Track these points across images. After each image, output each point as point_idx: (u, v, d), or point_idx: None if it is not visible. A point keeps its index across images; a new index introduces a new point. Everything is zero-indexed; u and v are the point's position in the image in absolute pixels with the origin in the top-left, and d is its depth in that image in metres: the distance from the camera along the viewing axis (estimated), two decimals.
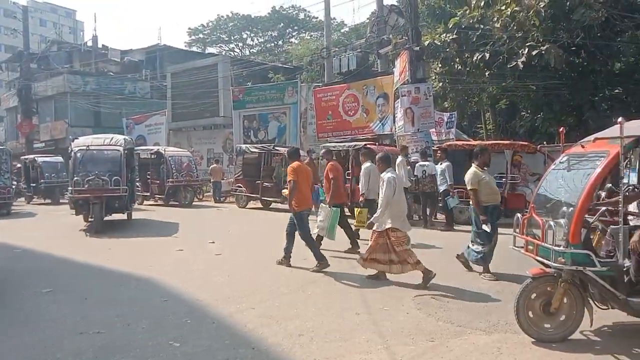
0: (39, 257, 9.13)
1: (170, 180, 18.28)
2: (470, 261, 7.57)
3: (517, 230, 5.34)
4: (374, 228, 6.97)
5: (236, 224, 13.50)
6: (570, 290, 4.60)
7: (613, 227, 5.03)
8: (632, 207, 5.09)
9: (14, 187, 18.27)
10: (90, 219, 12.29)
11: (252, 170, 17.62)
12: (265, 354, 4.46)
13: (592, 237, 5.12)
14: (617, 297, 4.43)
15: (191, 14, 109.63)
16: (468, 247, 7.60)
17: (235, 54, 50.93)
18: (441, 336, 4.87)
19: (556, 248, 4.50)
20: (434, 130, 18.68)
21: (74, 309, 5.79)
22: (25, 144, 32.16)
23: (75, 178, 11.83)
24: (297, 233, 7.90)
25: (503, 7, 16.00)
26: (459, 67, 19.24)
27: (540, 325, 4.71)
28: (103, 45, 41.46)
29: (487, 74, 18.54)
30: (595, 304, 4.79)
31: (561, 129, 6.29)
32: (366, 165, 9.33)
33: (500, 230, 7.45)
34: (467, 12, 17.83)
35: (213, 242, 10.20)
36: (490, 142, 16.29)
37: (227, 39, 54.25)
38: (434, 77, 20.35)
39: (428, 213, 12.90)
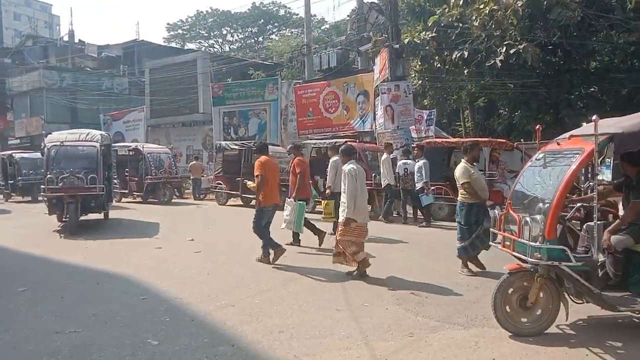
0: (12, 256, 8.95)
1: (149, 177, 18.09)
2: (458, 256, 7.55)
3: (495, 226, 5.40)
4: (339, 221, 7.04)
5: (216, 222, 13.42)
6: (547, 285, 4.67)
7: (588, 223, 5.13)
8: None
9: None
10: (64, 219, 11.57)
11: (233, 167, 17.52)
12: (245, 351, 4.45)
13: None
14: (592, 291, 4.51)
15: (170, 10, 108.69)
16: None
17: (215, 50, 50.51)
18: (420, 331, 4.91)
19: (532, 244, 4.57)
20: (413, 127, 18.79)
21: (49, 308, 5.69)
22: None
23: (49, 176, 11.12)
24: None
25: (481, 6, 16.15)
26: (439, 65, 19.40)
27: (517, 320, 4.77)
28: (80, 40, 40.86)
29: (465, 72, 18.71)
30: (571, 299, 4.87)
31: (537, 127, 6.37)
32: (334, 158, 9.49)
33: None
34: (447, 10, 17.97)
35: (192, 240, 10.12)
36: (469, 139, 16.45)
37: (206, 34, 53.77)
38: (413, 75, 20.47)
39: (412, 210, 13.06)
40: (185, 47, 48.31)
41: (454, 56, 17.83)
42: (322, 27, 48.38)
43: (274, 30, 53.20)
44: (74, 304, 5.87)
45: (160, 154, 19.55)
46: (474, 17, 16.64)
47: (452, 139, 17.55)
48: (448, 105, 22.73)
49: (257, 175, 7.80)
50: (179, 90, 27.46)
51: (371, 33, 21.58)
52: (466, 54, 17.42)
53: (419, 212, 12.92)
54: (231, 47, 53.14)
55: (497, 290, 4.77)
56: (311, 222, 9.46)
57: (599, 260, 4.70)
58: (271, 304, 5.78)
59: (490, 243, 5.53)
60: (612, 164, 10.47)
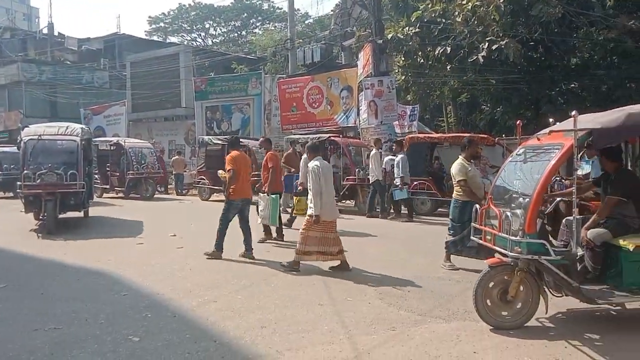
0: None
1: (131, 172, 17.90)
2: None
3: (476, 220, 5.45)
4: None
5: (199, 217, 13.34)
6: (527, 278, 4.73)
7: (567, 218, 5.20)
8: None
9: None
10: (42, 217, 10.89)
11: (215, 162, 17.38)
12: (227, 346, 4.43)
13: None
14: (571, 285, 4.58)
15: (152, 2, 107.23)
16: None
17: (198, 43, 50.08)
18: (402, 325, 4.94)
19: (513, 238, 4.62)
20: (397, 123, 18.88)
21: (28, 305, 5.60)
22: None
23: (25, 171, 10.42)
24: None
25: (464, 2, 16.24)
26: (422, 60, 19.48)
27: (498, 313, 4.83)
28: (59, 33, 40.17)
29: (448, 67, 18.82)
30: (550, 292, 4.94)
31: (518, 122, 6.43)
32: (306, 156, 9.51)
33: None
34: (430, 5, 18.04)
35: (174, 236, 10.05)
36: (451, 134, 16.58)
37: (189, 28, 53.24)
38: (397, 70, 20.54)
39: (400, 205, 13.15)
40: (168, 41, 47.77)
41: (437, 52, 17.92)
42: (306, 22, 48.23)
43: (258, 24, 52.88)
44: (54, 300, 5.79)
45: (142, 148, 19.37)
46: (456, 13, 16.73)
47: (434, 134, 17.66)
48: (431, 101, 22.88)
49: (228, 170, 7.85)
50: (161, 84, 27.17)
51: (355, 28, 21.61)
52: (449, 49, 17.52)
53: (403, 208, 12.98)
54: (214, 41, 52.72)
55: (478, 284, 4.81)
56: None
57: (578, 254, 4.77)
58: (253, 300, 5.77)
59: (472, 237, 5.57)
60: (592, 160, 10.62)
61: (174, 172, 20.77)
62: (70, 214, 11.74)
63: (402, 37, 18.39)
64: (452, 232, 7.34)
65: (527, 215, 4.56)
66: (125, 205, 15.79)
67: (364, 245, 9.13)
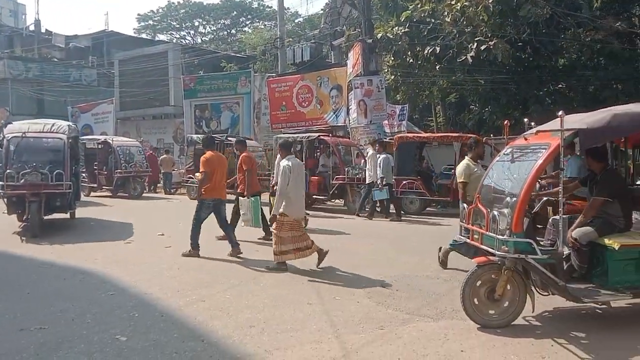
0: None
1: (119, 171, 17.77)
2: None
3: (464, 219, 5.48)
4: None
5: (187, 216, 13.17)
6: (513, 277, 4.76)
7: (554, 217, 5.25)
8: None
9: None
10: (26, 219, 10.19)
11: None
12: (215, 346, 4.42)
13: None
14: (557, 283, 4.62)
15: (140, 0, 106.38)
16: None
17: (187, 41, 49.83)
18: (390, 324, 4.96)
19: (500, 237, 4.65)
20: (386, 122, 18.93)
21: (14, 305, 5.54)
22: None
23: (8, 171, 9.80)
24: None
25: (453, 2, 16.30)
26: (411, 60, 19.52)
27: (485, 312, 4.86)
28: (46, 30, 39.79)
29: (437, 67, 18.89)
30: (537, 291, 4.98)
31: (506, 122, 6.48)
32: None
33: (448, 220, 7.62)
34: (419, 5, 18.07)
35: (162, 235, 10.00)
36: (440, 134, 16.66)
37: (178, 26, 52.97)
38: (386, 70, 20.57)
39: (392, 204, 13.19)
40: (156, 39, 47.52)
41: (426, 52, 17.98)
42: (296, 20, 48.19)
43: (247, 22, 52.73)
44: (40, 300, 5.73)
45: (130, 147, 19.23)
46: (445, 13, 16.79)
47: (423, 134, 17.73)
48: (420, 101, 22.94)
49: (201, 172, 7.93)
50: (149, 82, 27.03)
51: (344, 27, 21.64)
52: (438, 49, 17.59)
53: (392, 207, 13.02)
54: (203, 39, 52.50)
55: (465, 283, 4.84)
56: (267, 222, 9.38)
57: (564, 253, 4.81)
58: (242, 299, 5.76)
59: (460, 237, 5.60)
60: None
61: (162, 171, 20.65)
62: (57, 215, 11.17)
63: (391, 36, 18.44)
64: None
65: (514, 214, 4.59)
66: (113, 205, 15.66)
67: (353, 245, 9.15)
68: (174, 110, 27.16)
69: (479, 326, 4.80)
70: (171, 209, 15.37)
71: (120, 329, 4.76)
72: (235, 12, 51.78)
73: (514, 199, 4.69)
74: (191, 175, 17.61)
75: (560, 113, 4.54)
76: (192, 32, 53.56)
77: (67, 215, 11.44)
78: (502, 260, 4.71)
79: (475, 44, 16.40)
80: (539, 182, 7.86)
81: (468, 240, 5.40)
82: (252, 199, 8.77)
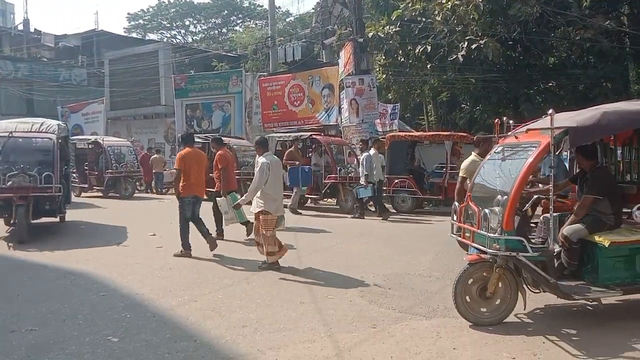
0: None
1: (110, 171, 17.66)
2: None
3: (455, 217, 5.50)
4: (252, 210, 7.17)
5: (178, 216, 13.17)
6: (505, 275, 4.78)
7: (545, 215, 5.28)
8: None
9: None
10: (13, 224, 9.58)
11: None
12: (208, 346, 4.41)
13: None
14: (548, 281, 4.64)
15: None
16: None
17: (177, 41, 49.58)
18: (383, 322, 4.97)
19: (491, 235, 4.67)
20: (378, 121, 18.94)
21: (4, 307, 5.49)
22: None
23: None
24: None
25: (444, 1, 16.33)
26: (402, 59, 19.52)
27: (477, 310, 4.88)
28: (35, 29, 39.46)
29: (428, 66, 18.90)
30: (528, 288, 5.00)
31: (497, 121, 6.49)
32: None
33: (441, 218, 7.65)
34: (410, 4, 18.08)
35: (154, 235, 9.95)
36: (432, 133, 16.71)
37: (168, 25, 52.69)
38: (377, 69, 20.57)
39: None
40: (147, 38, 47.27)
41: (417, 51, 17.99)
42: (287, 20, 48.09)
43: (238, 21, 52.57)
44: (31, 301, 5.69)
45: (121, 147, 19.13)
46: (436, 12, 16.81)
47: (415, 133, 17.76)
48: (411, 100, 22.96)
49: (175, 169, 7.95)
50: (140, 81, 26.89)
51: (336, 26, 21.62)
52: (429, 48, 17.60)
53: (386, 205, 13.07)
54: (194, 38, 52.29)
55: (457, 281, 4.86)
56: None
57: (555, 250, 4.84)
58: (234, 299, 5.74)
59: (452, 235, 5.62)
60: (568, 157, 10.80)
61: (153, 171, 20.55)
62: (47, 219, 10.66)
63: (382, 35, 18.43)
64: None
65: (505, 212, 4.61)
66: (104, 206, 15.55)
67: (345, 244, 9.15)
68: (165, 109, 27.03)
69: (471, 324, 4.82)
70: (162, 209, 15.27)
71: (111, 330, 4.74)
72: (226, 11, 51.61)
73: (505, 197, 4.71)
74: None
75: (550, 111, 4.57)
76: (182, 31, 53.31)
77: (57, 219, 10.97)
78: (494, 258, 4.74)
79: (466, 42, 16.43)
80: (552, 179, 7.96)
81: (459, 238, 5.42)
82: (229, 196, 8.72)
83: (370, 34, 18.13)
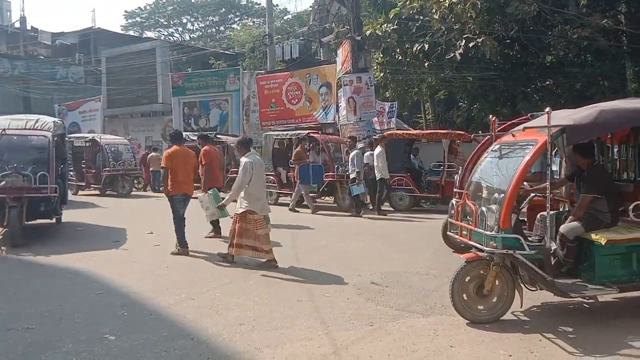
0: None
1: (107, 169, 17.64)
2: None
3: (452, 216, 5.50)
4: (236, 210, 7.19)
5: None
6: (502, 273, 4.79)
7: (542, 213, 5.29)
8: None
9: None
10: (6, 226, 8.97)
11: None
12: (205, 344, 4.41)
13: None
14: (545, 279, 4.65)
15: None
16: None
17: (175, 38, 49.53)
18: (380, 320, 4.97)
19: (488, 233, 4.68)
20: (376, 119, 18.94)
21: (1, 305, 5.47)
22: None
23: None
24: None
25: None
26: (400, 57, 19.53)
27: (474, 308, 4.88)
28: (32, 27, 39.35)
29: (426, 64, 18.92)
30: (525, 286, 5.01)
31: (494, 119, 6.51)
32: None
33: (438, 216, 7.65)
34: (407, 2, 18.08)
35: (151, 233, 9.93)
36: (429, 131, 16.72)
37: (166, 23, 52.61)
38: (375, 67, 20.58)
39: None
40: (144, 36, 47.15)
41: (414, 49, 18.00)
42: (285, 17, 48.02)
43: (236, 19, 52.50)
44: (28, 299, 5.68)
45: (118, 145, 19.11)
46: (434, 10, 16.82)
47: (413, 131, 17.78)
48: (409, 98, 22.98)
49: (162, 167, 7.96)
50: (137, 79, 26.84)
51: (333, 24, 21.58)
52: (426, 46, 17.61)
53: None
54: (191, 36, 52.20)
55: (454, 279, 4.86)
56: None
57: (552, 248, 4.85)
58: (232, 297, 5.74)
59: (448, 233, 5.63)
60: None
61: (150, 169, 20.50)
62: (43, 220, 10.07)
63: (380, 33, 18.44)
64: None
65: (502, 210, 4.62)
66: (101, 204, 15.51)
67: (343, 242, 9.16)
68: (162, 107, 26.99)
69: (468, 322, 4.83)
70: (160, 208, 15.21)
71: (109, 328, 4.73)
72: (223, 9, 51.55)
73: (502, 195, 4.71)
74: None
75: (547, 110, 4.57)
76: (180, 29, 53.24)
77: (53, 220, 10.50)
78: (491, 256, 4.74)
79: (464, 41, 16.45)
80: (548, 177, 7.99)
81: (457, 236, 5.43)
82: (210, 191, 8.63)
83: (368, 32, 18.13)
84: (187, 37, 51.41)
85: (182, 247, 7.94)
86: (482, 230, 4.75)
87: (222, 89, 23.50)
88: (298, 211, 13.13)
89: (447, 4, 16.19)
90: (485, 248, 4.72)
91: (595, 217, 5.00)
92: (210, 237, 9.16)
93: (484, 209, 4.82)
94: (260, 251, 7.09)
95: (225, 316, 5.09)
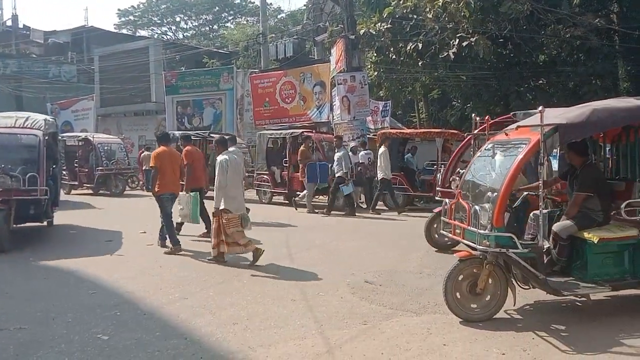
0: None
1: (100, 168, 17.56)
2: None
3: (446, 214, 5.51)
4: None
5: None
6: (495, 271, 4.80)
7: (534, 212, 5.30)
8: None
9: None
10: None
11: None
12: (198, 344, 4.39)
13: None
14: (538, 277, 4.67)
15: None
16: None
17: (168, 37, 49.35)
18: (374, 319, 4.97)
19: (481, 231, 4.69)
20: (370, 118, 18.94)
21: None
22: None
23: None
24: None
25: None
26: (394, 56, 19.53)
27: (467, 306, 4.89)
28: (24, 25, 38.95)
29: (420, 63, 18.93)
30: (518, 284, 5.03)
31: (487, 118, 6.52)
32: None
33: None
34: (401, 1, 18.09)
35: (144, 233, 9.89)
36: (423, 130, 16.74)
37: (159, 21, 52.38)
38: (369, 66, 20.57)
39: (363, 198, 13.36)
40: (137, 34, 46.91)
41: (408, 48, 18.01)
42: (279, 16, 47.94)
43: (230, 18, 52.36)
44: (20, 299, 5.64)
45: (112, 144, 19.04)
46: (427, 9, 16.85)
47: (406, 130, 17.79)
48: (403, 97, 23.01)
49: (151, 167, 8.05)
50: (130, 78, 26.71)
51: (327, 23, 21.56)
52: (420, 45, 17.62)
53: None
54: (185, 34, 52.03)
55: (447, 278, 4.87)
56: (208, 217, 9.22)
57: (545, 247, 4.87)
58: (225, 296, 5.73)
59: (441, 231, 5.64)
60: (558, 154, 10.86)
61: (143, 168, 20.42)
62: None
63: (374, 32, 18.43)
64: None
65: (495, 209, 4.63)
66: (94, 203, 15.42)
67: (336, 241, 9.16)
68: (155, 106, 26.90)
69: (461, 320, 4.84)
70: (153, 207, 15.16)
71: (101, 328, 4.71)
72: (217, 8, 51.38)
73: (495, 193, 4.73)
74: None
75: (540, 108, 4.59)
76: (173, 27, 53.03)
77: (45, 224, 10.10)
78: (484, 254, 4.75)
79: (457, 40, 16.47)
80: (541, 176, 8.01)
81: (450, 235, 5.44)
82: (192, 194, 8.66)
83: (362, 31, 18.12)
84: (181, 36, 51.27)
85: (174, 245, 7.95)
86: (475, 229, 4.76)
87: (215, 87, 23.44)
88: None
89: (440, 3, 16.21)
90: (478, 247, 4.73)
91: (588, 216, 5.03)
92: (203, 237, 9.13)
93: (477, 207, 4.83)
94: (242, 245, 7.13)
95: (218, 315, 5.08)
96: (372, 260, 7.55)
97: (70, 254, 7.93)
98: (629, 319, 4.93)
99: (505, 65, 18.71)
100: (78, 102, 28.95)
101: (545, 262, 4.90)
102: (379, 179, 12.72)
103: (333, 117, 18.72)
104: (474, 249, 4.85)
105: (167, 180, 8.04)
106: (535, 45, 17.85)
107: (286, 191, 14.68)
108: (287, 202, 14.95)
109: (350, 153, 14.52)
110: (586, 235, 4.83)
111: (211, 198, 7.47)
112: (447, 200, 5.64)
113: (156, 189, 8.05)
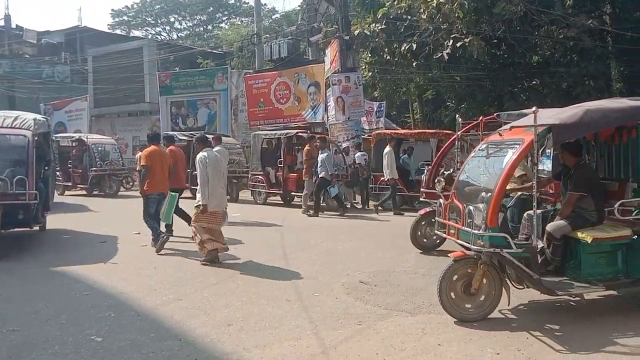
0: None
1: (94, 169, 17.49)
2: None
3: (440, 215, 5.52)
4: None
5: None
6: (489, 271, 4.82)
7: (528, 212, 5.32)
8: None
9: None
10: None
11: None
12: (192, 345, 4.38)
13: None
14: (532, 277, 4.68)
15: None
16: None
17: (162, 37, 49.24)
18: (369, 319, 4.98)
19: (475, 231, 4.70)
20: (364, 119, 18.97)
21: None
22: None
23: None
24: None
25: None
26: (388, 57, 19.58)
27: (462, 306, 4.90)
28: (17, 25, 38.74)
29: (414, 64, 18.98)
30: (512, 284, 5.04)
31: (481, 118, 6.54)
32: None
33: None
34: (395, 2, 18.13)
35: (139, 233, 9.84)
36: (417, 130, 16.78)
37: (153, 22, 52.27)
38: (363, 67, 20.61)
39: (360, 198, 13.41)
40: (131, 35, 46.79)
41: (402, 48, 18.05)
42: (273, 17, 47.93)
43: (224, 18, 52.31)
44: (13, 301, 5.60)
45: (105, 145, 18.98)
46: (422, 10, 16.88)
47: (401, 131, 17.83)
48: (397, 98, 23.07)
49: (142, 166, 8.10)
50: (124, 79, 26.63)
51: (322, 23, 21.58)
52: (414, 46, 17.67)
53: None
54: (179, 35, 51.95)
55: (442, 278, 4.88)
56: (185, 212, 9.30)
57: (539, 246, 4.89)
58: (220, 297, 5.71)
59: (436, 231, 5.65)
60: (552, 154, 10.90)
61: (137, 169, 20.35)
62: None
63: (368, 33, 18.46)
64: None
65: (489, 209, 4.65)
66: (88, 204, 15.36)
67: (331, 242, 9.16)
68: (149, 107, 26.82)
69: (455, 320, 4.85)
70: None
71: (95, 330, 4.69)
72: (211, 8, 51.32)
73: (489, 194, 4.74)
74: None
75: (534, 109, 4.61)
76: (167, 28, 52.95)
77: (36, 228, 9.58)
78: (478, 254, 4.77)
79: (451, 41, 16.52)
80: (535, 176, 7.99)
81: (444, 235, 5.45)
82: (172, 193, 8.60)
83: (356, 32, 18.15)
84: (175, 36, 51.18)
85: (160, 236, 8.02)
86: (470, 229, 4.78)
87: (210, 88, 23.41)
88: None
89: (434, 4, 16.25)
90: (472, 247, 4.74)
91: (582, 216, 5.05)
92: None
93: (471, 207, 4.84)
94: (221, 243, 7.21)
95: (213, 316, 5.07)
96: (367, 261, 7.55)
97: (64, 256, 7.90)
98: (622, 318, 4.95)
99: (499, 66, 18.78)
100: (72, 103, 28.82)
101: (539, 262, 4.92)
102: (386, 179, 12.68)
103: (328, 117, 18.74)
104: (468, 249, 4.86)
105: (157, 179, 8.13)
106: (528, 46, 17.92)
107: (281, 192, 14.67)
108: (282, 202, 14.96)
109: (342, 154, 14.59)
110: (580, 235, 4.85)
111: (187, 198, 7.53)
112: (441, 200, 5.64)
113: (145, 188, 8.11)
